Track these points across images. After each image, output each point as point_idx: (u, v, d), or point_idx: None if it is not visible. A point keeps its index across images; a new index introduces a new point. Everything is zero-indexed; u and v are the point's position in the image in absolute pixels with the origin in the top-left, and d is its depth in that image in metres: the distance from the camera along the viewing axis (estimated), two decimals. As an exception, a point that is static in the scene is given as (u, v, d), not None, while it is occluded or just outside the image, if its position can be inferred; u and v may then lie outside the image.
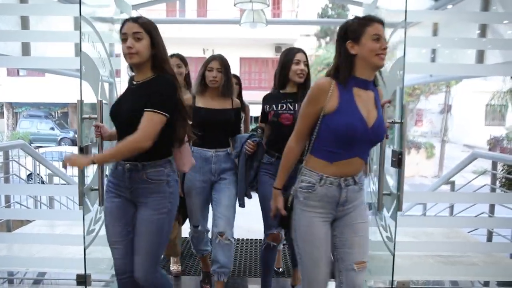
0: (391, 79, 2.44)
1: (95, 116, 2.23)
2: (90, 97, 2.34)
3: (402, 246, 3.13)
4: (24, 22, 3.80)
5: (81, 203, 2.26)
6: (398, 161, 2.21)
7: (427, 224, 3.68)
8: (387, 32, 2.53)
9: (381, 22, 1.70)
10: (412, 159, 16.99)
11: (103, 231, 2.56)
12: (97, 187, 2.29)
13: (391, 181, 2.43)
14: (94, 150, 2.29)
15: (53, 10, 2.91)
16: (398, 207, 2.25)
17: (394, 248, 2.28)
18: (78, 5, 2.16)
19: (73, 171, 6.13)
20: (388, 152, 2.29)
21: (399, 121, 2.29)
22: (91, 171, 2.49)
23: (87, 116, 2.23)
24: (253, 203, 2.68)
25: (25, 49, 3.84)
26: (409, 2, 2.23)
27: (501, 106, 15.60)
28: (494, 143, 17.85)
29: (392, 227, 2.32)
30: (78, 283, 2.87)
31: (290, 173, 1.90)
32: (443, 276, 3.07)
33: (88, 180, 2.40)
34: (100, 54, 2.52)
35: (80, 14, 2.16)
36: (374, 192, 2.56)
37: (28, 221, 4.46)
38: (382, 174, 2.29)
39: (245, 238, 4.07)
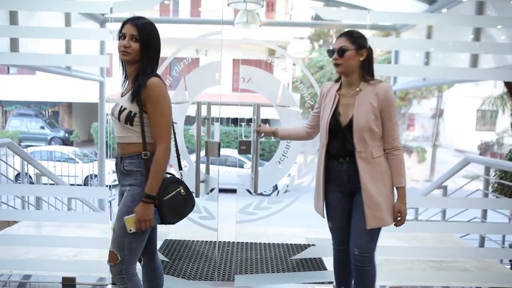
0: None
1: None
2: (82, 97, 2.27)
3: (394, 251, 3.11)
4: (13, 18, 3.73)
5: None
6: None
7: (419, 228, 3.66)
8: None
9: None
10: (403, 163, 17.06)
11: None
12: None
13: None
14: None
15: (44, 5, 2.84)
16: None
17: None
18: (69, 1, 2.10)
19: (61, 171, 6.06)
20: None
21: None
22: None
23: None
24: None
25: (14, 46, 3.77)
26: (404, 5, 2.20)
27: (492, 112, 15.75)
28: (485, 148, 18.01)
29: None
30: (64, 286, 2.81)
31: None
32: (435, 281, 3.05)
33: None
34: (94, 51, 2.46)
35: (109, 13, 2.11)
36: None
37: (15, 222, 4.37)
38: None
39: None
